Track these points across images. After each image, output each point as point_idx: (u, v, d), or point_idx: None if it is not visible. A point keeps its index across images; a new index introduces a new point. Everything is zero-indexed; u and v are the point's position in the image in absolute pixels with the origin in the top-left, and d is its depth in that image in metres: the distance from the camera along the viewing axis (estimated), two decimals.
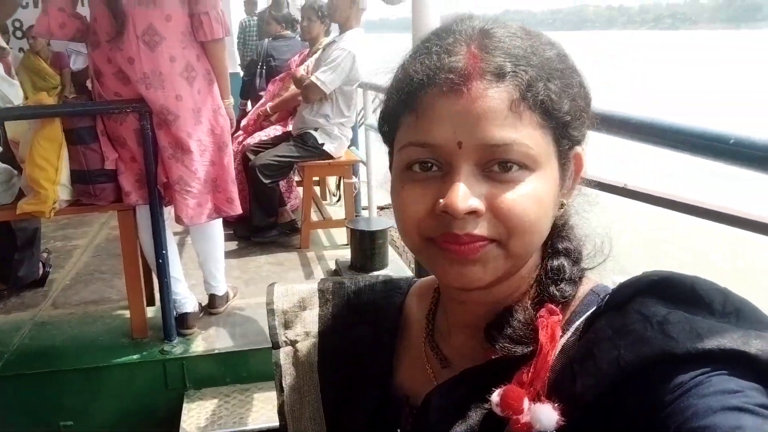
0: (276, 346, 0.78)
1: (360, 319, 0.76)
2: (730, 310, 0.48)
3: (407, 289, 0.78)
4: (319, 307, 0.78)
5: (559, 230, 0.64)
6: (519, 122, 0.54)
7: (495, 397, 0.54)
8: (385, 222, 2.82)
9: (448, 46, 0.56)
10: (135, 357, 2.44)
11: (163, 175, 2.40)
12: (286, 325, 0.78)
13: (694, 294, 0.49)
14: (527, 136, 0.54)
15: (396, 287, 0.78)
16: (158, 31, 2.27)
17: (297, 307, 0.78)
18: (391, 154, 0.64)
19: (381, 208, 4.14)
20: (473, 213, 0.54)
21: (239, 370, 2.46)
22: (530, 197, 0.55)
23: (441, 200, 0.54)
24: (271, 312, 0.78)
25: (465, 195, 0.53)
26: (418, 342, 0.71)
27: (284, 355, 0.77)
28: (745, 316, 0.47)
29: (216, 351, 2.47)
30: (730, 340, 0.45)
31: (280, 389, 0.77)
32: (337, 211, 4.25)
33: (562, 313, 0.59)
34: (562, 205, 0.62)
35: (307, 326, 0.77)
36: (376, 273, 2.23)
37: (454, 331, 0.67)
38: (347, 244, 3.61)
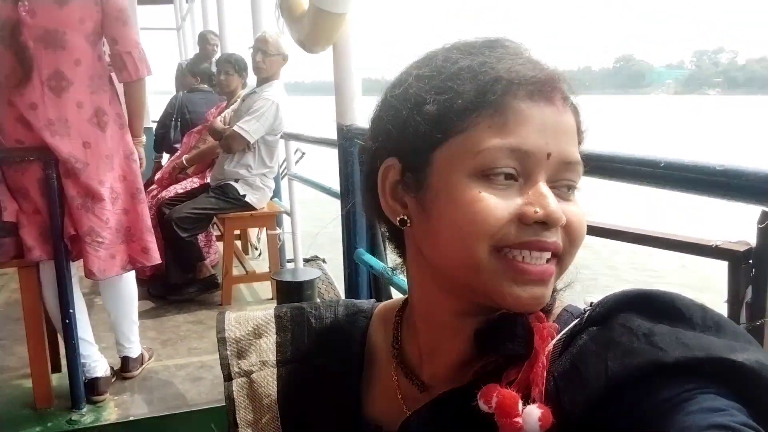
0: (228, 378, 0.71)
1: (323, 347, 0.71)
2: (710, 324, 0.48)
3: (371, 313, 0.73)
4: (277, 334, 0.72)
5: None
6: (578, 147, 0.57)
7: (483, 404, 0.51)
8: (313, 272, 2.72)
9: (527, 55, 0.57)
10: (38, 429, 2.18)
11: (71, 227, 2.22)
12: (240, 355, 0.72)
13: (674, 309, 0.49)
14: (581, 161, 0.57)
15: (359, 311, 0.73)
16: (66, 76, 2.14)
17: (251, 335, 0.72)
18: (423, 157, 0.57)
19: (307, 261, 4.03)
20: None
21: None
22: (583, 216, 0.57)
23: (537, 209, 0.52)
24: (222, 341, 0.72)
25: (559, 205, 0.54)
26: (386, 370, 0.68)
27: (238, 388, 0.71)
28: (724, 330, 0.48)
29: (131, 418, 2.26)
30: (717, 349, 0.45)
31: (234, 425, 0.70)
32: (259, 264, 4.10)
33: None
34: None
35: (264, 355, 0.71)
36: None
37: (428, 357, 0.64)
38: (272, 298, 3.47)
